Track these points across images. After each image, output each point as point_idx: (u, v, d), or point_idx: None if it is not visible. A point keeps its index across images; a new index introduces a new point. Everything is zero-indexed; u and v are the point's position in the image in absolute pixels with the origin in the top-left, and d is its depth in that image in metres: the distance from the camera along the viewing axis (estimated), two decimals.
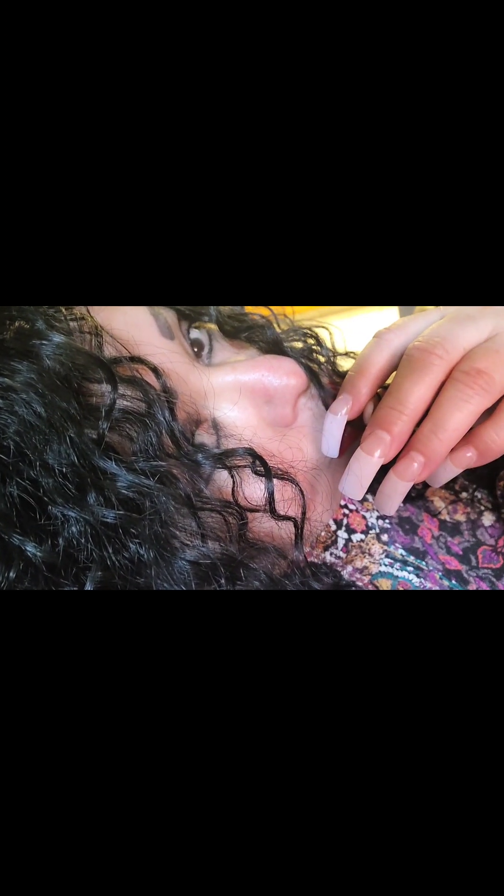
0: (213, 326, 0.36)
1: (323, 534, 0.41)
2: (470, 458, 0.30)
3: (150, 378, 0.28)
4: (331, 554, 0.39)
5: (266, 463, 0.30)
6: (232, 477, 0.30)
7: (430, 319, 0.31)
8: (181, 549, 0.26)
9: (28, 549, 0.24)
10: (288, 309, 0.43)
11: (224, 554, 0.28)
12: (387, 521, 0.42)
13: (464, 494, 0.42)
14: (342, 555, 0.40)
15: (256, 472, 0.31)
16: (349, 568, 0.40)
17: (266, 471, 0.30)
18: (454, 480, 0.43)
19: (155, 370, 0.29)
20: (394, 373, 0.36)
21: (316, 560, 0.36)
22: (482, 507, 0.41)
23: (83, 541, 0.25)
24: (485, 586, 0.40)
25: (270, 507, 0.31)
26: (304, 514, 0.32)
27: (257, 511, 0.30)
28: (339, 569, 0.37)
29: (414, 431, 0.30)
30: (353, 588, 0.37)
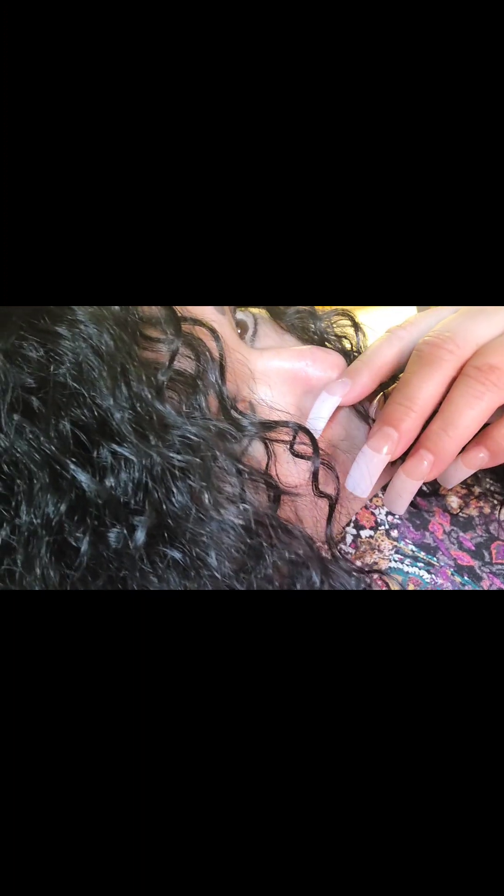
0: (259, 310, 0.35)
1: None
2: (482, 458, 0.29)
3: (208, 341, 0.28)
4: (339, 550, 0.39)
5: (315, 439, 0.30)
6: (268, 452, 0.29)
7: (441, 315, 0.30)
8: (225, 504, 0.26)
9: (82, 479, 0.24)
10: None
11: (264, 514, 0.27)
12: (397, 516, 0.41)
13: (476, 489, 0.41)
14: (350, 551, 0.39)
15: (295, 452, 0.30)
16: (357, 563, 0.39)
17: (314, 448, 0.30)
18: None
19: (213, 332, 0.28)
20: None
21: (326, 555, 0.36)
22: (496, 501, 0.40)
23: (133, 483, 0.24)
24: (498, 582, 0.39)
25: (314, 483, 0.30)
26: (337, 494, 0.31)
27: (291, 493, 0.30)
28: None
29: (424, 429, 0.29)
30: (363, 583, 0.36)
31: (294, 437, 0.30)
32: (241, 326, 0.34)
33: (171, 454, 0.24)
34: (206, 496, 0.25)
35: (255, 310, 0.35)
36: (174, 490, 0.25)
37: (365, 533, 0.41)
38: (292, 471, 0.30)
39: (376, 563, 0.39)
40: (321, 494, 0.30)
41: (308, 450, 0.30)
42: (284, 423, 0.29)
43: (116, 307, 0.26)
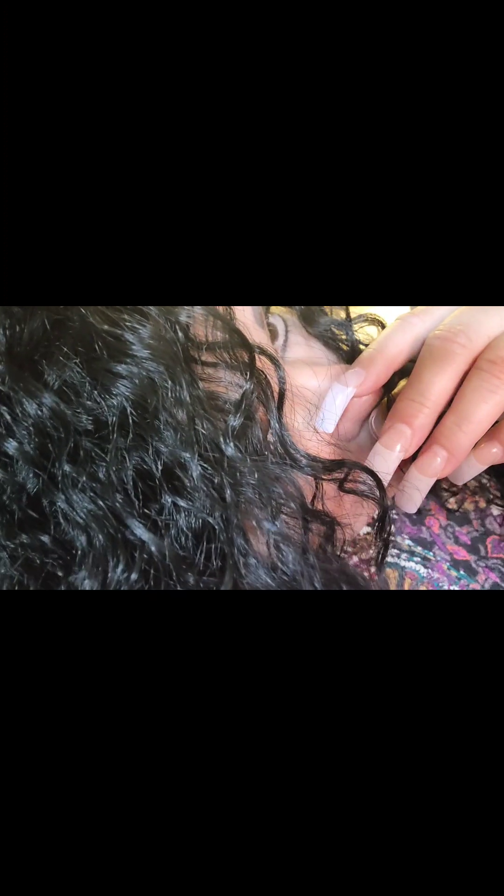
0: (290, 314, 0.34)
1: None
2: (495, 454, 0.29)
3: (269, 373, 0.26)
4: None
5: (381, 483, 0.28)
6: (317, 486, 0.28)
7: (454, 307, 0.29)
8: (298, 557, 0.24)
9: (148, 539, 0.21)
10: None
11: (333, 562, 0.26)
12: (393, 511, 0.41)
13: (472, 483, 0.41)
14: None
15: (345, 489, 0.28)
16: (355, 559, 0.39)
17: (381, 491, 0.28)
18: None
19: (276, 363, 0.27)
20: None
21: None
22: (491, 496, 0.40)
23: (204, 544, 0.22)
24: (494, 576, 0.39)
25: (380, 525, 0.29)
26: (388, 535, 0.30)
27: (344, 524, 0.28)
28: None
29: (436, 425, 0.29)
30: (360, 579, 0.36)
31: (346, 476, 0.28)
32: (271, 332, 0.32)
33: (254, 515, 0.23)
34: (282, 553, 0.24)
35: (283, 311, 0.34)
36: (249, 551, 0.23)
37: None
38: (338, 500, 0.29)
39: (372, 559, 0.39)
40: (383, 539, 0.29)
41: (358, 486, 0.29)
42: (352, 466, 0.28)
43: (178, 334, 0.24)
